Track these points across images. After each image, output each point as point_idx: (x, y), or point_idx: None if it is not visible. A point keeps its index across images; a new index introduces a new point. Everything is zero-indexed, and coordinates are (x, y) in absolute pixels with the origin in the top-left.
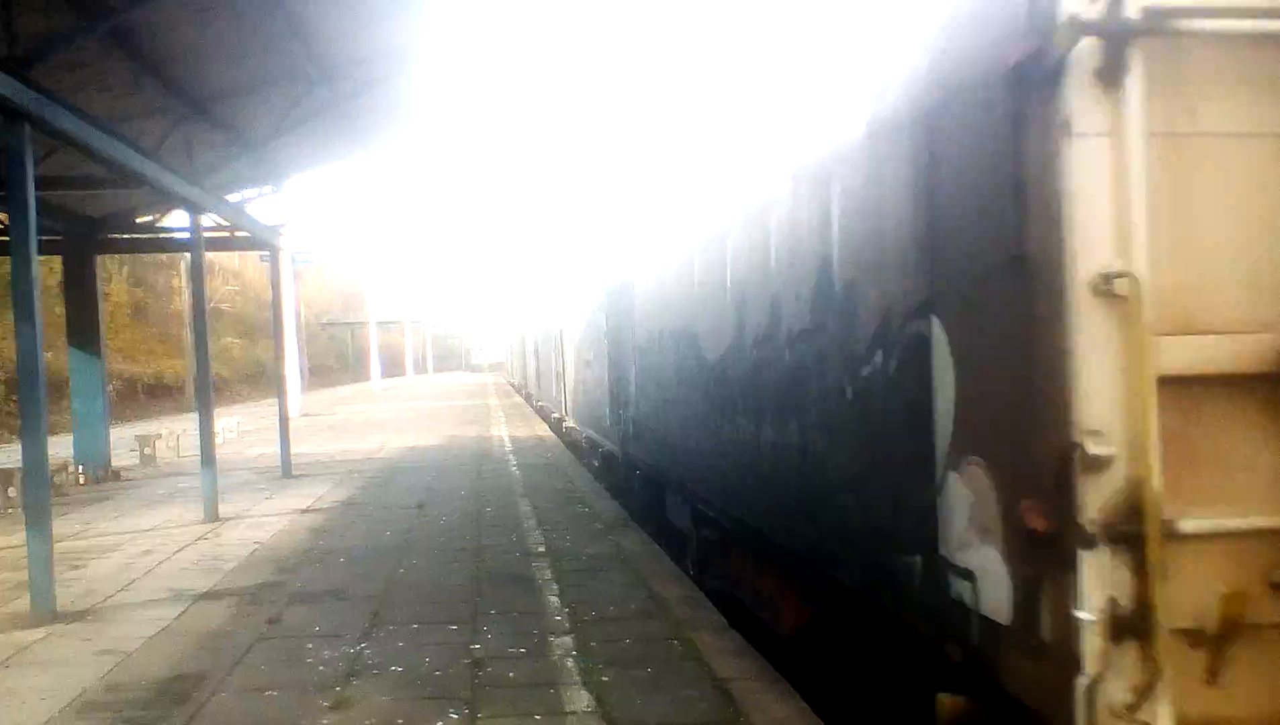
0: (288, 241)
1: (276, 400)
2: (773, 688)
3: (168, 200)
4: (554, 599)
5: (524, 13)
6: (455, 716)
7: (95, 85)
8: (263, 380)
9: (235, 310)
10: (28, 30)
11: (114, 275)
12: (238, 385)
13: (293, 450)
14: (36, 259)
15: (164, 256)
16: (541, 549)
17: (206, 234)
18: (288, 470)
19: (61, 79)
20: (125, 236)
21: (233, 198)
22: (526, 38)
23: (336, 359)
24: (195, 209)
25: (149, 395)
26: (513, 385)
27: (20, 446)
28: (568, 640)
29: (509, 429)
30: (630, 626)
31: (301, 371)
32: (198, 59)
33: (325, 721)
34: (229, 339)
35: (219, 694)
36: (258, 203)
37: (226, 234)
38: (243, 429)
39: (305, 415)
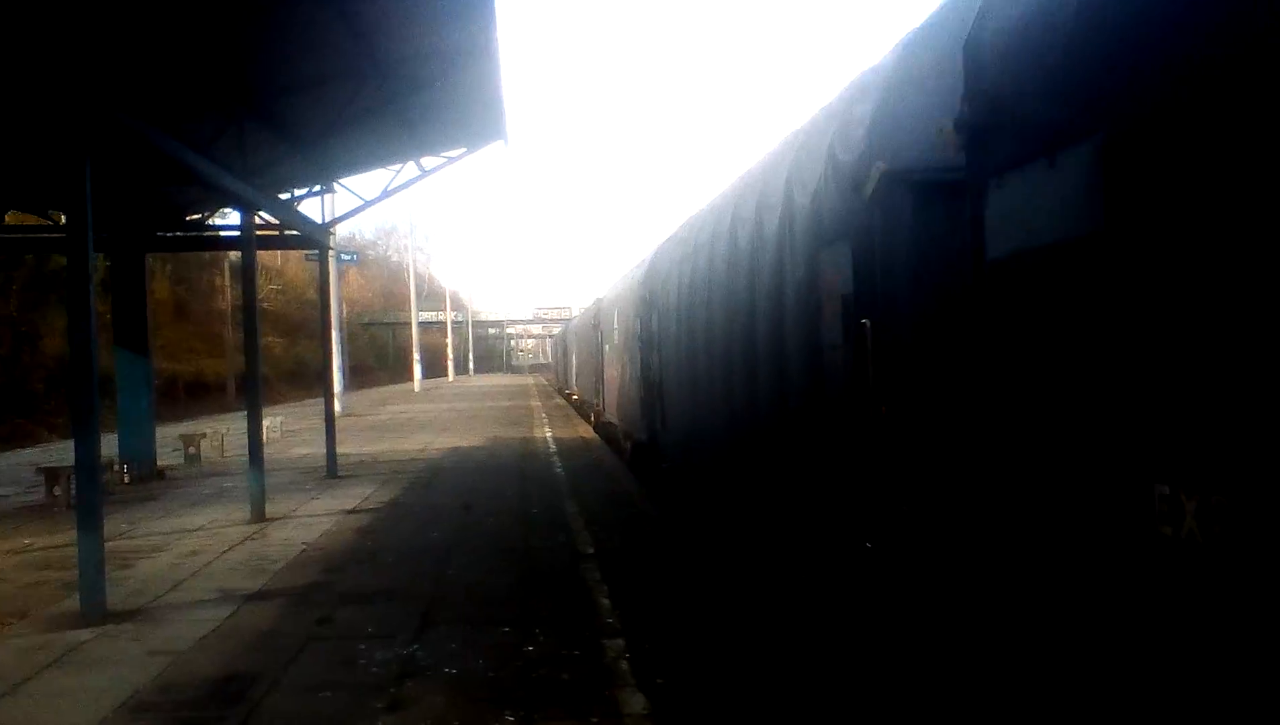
0: (336, 240)
1: (318, 399)
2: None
3: (219, 198)
4: (605, 601)
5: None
6: (512, 718)
7: (148, 83)
8: (303, 379)
9: (276, 309)
10: None
11: (157, 273)
12: (279, 384)
13: (337, 450)
14: (92, 258)
15: (206, 255)
16: (590, 550)
17: (257, 232)
18: (333, 470)
19: (117, 77)
20: (174, 234)
21: (283, 196)
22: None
23: (376, 358)
24: (248, 207)
25: (190, 394)
26: (565, 395)
27: (64, 445)
28: (620, 642)
29: (552, 431)
30: (684, 629)
31: (344, 371)
32: (252, 54)
33: (381, 722)
34: (270, 338)
35: (273, 694)
36: (307, 201)
37: (276, 232)
38: (286, 428)
39: (348, 415)
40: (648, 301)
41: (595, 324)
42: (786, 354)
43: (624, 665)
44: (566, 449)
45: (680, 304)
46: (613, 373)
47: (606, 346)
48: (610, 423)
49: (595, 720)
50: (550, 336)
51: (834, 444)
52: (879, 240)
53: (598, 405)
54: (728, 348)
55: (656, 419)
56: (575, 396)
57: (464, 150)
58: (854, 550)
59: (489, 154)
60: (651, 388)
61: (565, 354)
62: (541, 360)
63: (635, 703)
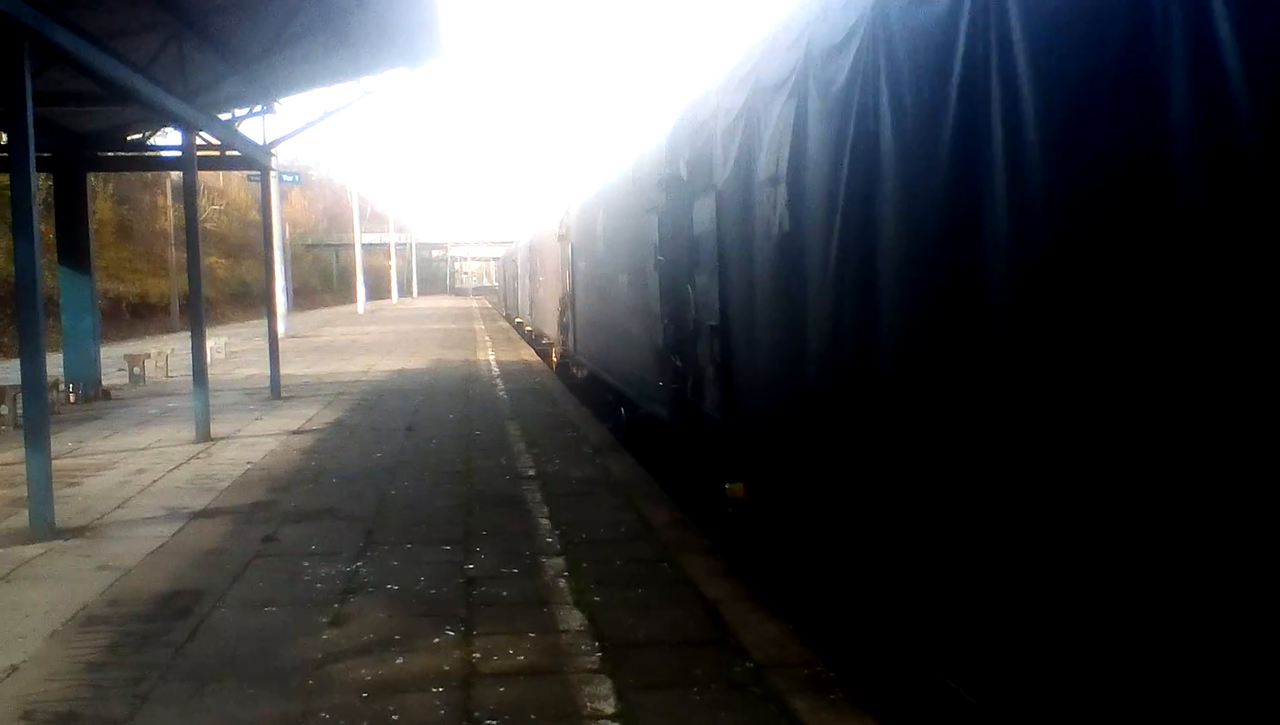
0: (278, 161)
1: (262, 320)
2: (760, 607)
3: (160, 118)
4: (545, 521)
5: None
6: (452, 633)
7: (86, 1)
8: (247, 300)
9: (220, 230)
10: None
11: (99, 193)
12: (223, 305)
13: (281, 371)
14: (35, 176)
15: (148, 175)
16: (531, 472)
17: (198, 153)
18: (277, 391)
19: None
20: (115, 154)
21: (224, 116)
22: None
23: (320, 280)
24: (188, 127)
25: (134, 315)
26: (513, 322)
27: (6, 364)
28: (559, 562)
29: (495, 353)
30: (620, 548)
31: (287, 293)
32: None
33: (325, 636)
34: (214, 258)
35: (219, 609)
36: (248, 122)
37: (217, 153)
38: (230, 350)
39: (292, 336)
40: (678, 186)
41: (562, 234)
42: None
43: (562, 584)
44: (509, 372)
45: (803, 175)
46: (592, 302)
47: (581, 263)
48: (581, 367)
49: (533, 636)
50: (495, 259)
51: None
52: None
53: (564, 342)
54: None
55: (709, 388)
56: (529, 328)
57: (404, 69)
58: None
59: (430, 76)
60: (688, 333)
61: (515, 277)
62: (485, 283)
63: (573, 619)
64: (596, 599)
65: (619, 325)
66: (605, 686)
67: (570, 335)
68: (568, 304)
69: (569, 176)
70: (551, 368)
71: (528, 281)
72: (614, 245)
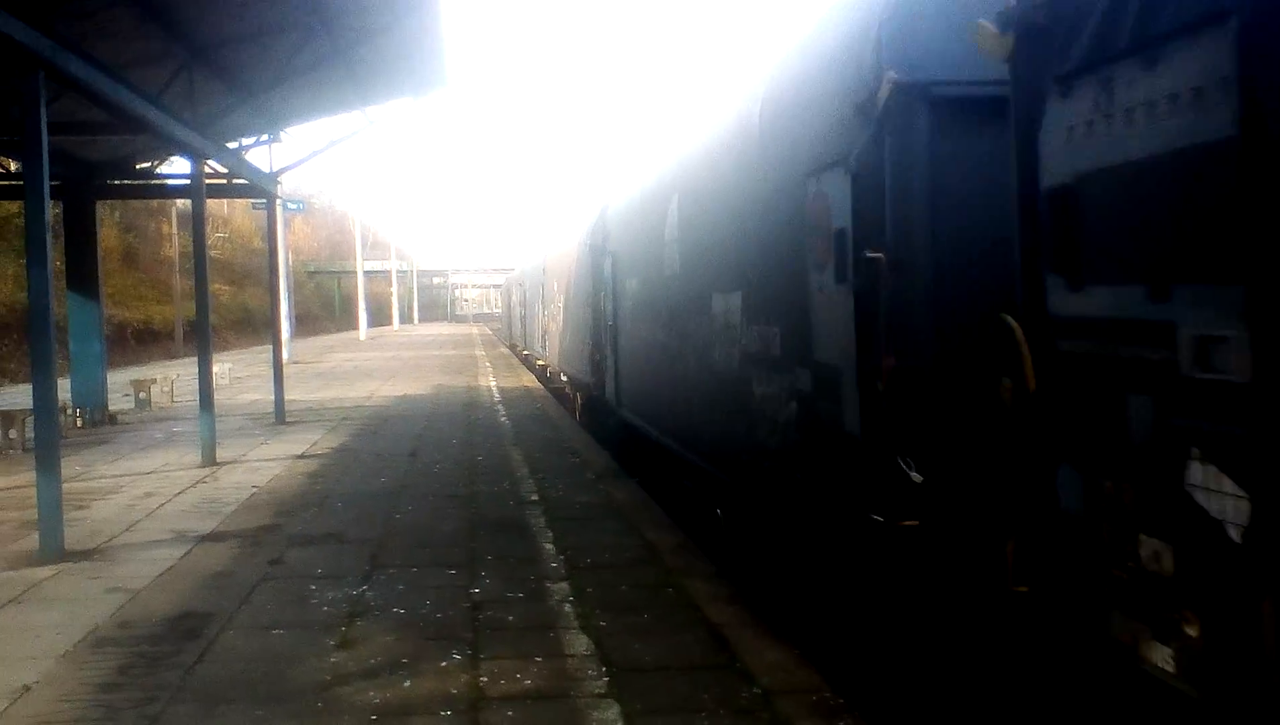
0: (282, 189)
1: (265, 347)
2: (765, 633)
3: (169, 146)
4: (549, 546)
5: None
6: (459, 657)
7: (99, 32)
8: (250, 327)
9: (224, 257)
10: None
11: (106, 220)
12: (227, 332)
13: (285, 397)
14: (49, 204)
15: (154, 203)
16: (534, 497)
17: (205, 181)
18: (281, 416)
19: (68, 26)
20: (124, 182)
21: (231, 145)
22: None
23: (322, 307)
24: (197, 156)
25: (139, 341)
26: (518, 353)
27: (14, 389)
28: (564, 586)
29: (496, 380)
30: (625, 573)
31: (290, 319)
32: (201, 4)
33: (333, 659)
34: (217, 285)
35: (227, 632)
36: (255, 150)
37: (224, 181)
38: (234, 375)
39: (295, 362)
40: (947, 96)
41: (595, 244)
42: None
43: (567, 608)
44: (510, 398)
45: None
46: (655, 335)
47: (631, 282)
48: (626, 423)
49: (540, 659)
50: (495, 286)
51: None
52: None
53: (598, 387)
54: None
55: (1153, 591)
56: (540, 362)
57: (409, 98)
58: None
59: (434, 105)
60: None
61: (521, 302)
62: (485, 310)
63: (579, 643)
64: (602, 623)
65: (717, 376)
66: (613, 711)
67: (608, 379)
68: (604, 336)
69: (607, 167)
70: (574, 415)
71: (539, 308)
72: (706, 246)
